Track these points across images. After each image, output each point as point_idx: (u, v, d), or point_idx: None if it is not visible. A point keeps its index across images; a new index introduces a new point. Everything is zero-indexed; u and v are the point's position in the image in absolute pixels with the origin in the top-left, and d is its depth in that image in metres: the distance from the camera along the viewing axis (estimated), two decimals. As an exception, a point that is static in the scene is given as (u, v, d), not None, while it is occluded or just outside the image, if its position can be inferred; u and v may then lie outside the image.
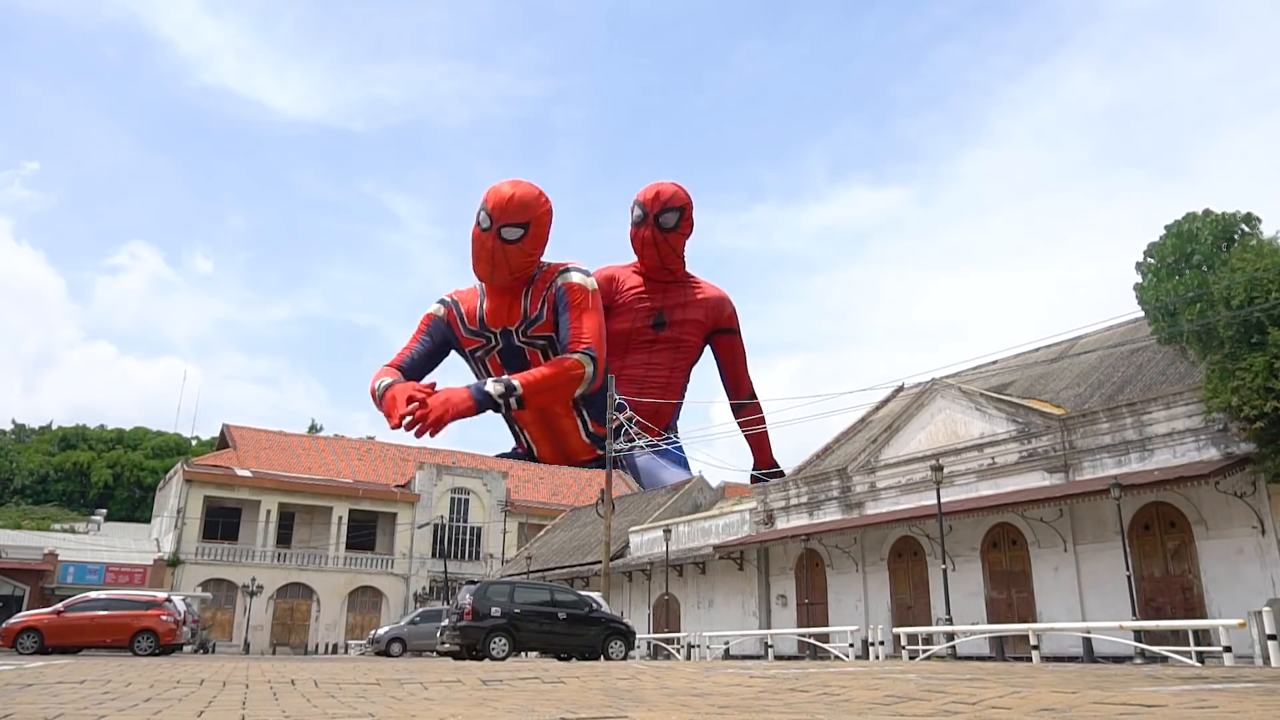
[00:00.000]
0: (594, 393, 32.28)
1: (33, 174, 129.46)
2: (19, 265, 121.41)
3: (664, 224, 34.30)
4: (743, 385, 34.64)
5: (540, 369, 26.58)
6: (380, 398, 25.78)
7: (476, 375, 30.95)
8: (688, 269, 33.79)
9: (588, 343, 27.13)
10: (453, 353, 30.40)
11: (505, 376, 25.80)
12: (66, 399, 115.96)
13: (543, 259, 29.40)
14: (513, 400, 24.89)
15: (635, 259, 38.04)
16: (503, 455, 36.97)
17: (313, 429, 78.37)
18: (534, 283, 29.61)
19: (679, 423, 40.80)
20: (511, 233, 27.97)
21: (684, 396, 38.48)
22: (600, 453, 33.69)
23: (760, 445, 34.08)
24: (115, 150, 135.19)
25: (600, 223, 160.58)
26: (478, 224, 28.21)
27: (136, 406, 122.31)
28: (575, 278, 28.81)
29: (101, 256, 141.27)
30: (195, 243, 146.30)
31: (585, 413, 32.49)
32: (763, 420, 34.60)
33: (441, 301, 30.54)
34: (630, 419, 30.85)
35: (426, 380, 26.96)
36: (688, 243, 36.49)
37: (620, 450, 28.21)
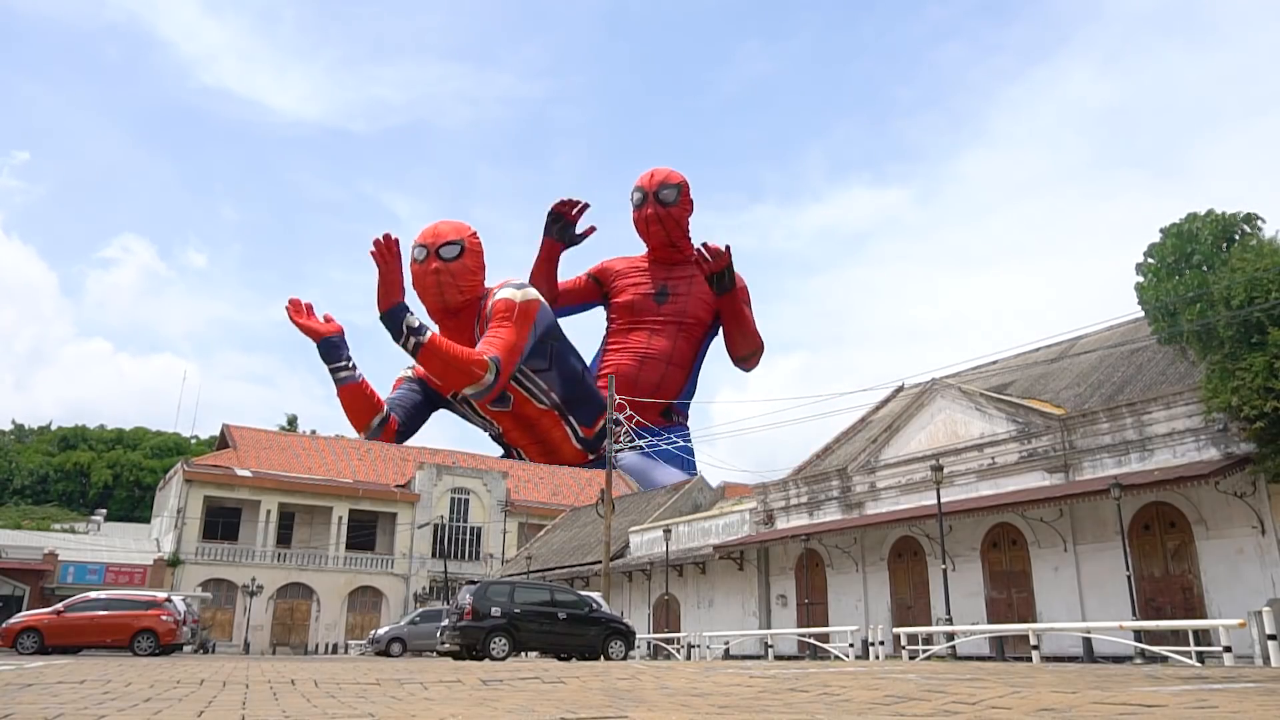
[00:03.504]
0: (580, 398, 32.99)
1: (22, 164, 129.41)
2: (9, 259, 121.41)
3: (664, 199, 35.24)
4: (747, 328, 36.13)
5: (458, 346, 28.12)
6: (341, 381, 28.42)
7: (466, 416, 32.75)
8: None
9: (497, 351, 28.29)
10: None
11: (423, 326, 27.60)
12: (62, 397, 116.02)
13: (488, 285, 30.96)
14: (411, 343, 27.21)
15: (639, 253, 38.30)
16: (505, 455, 37.53)
17: (291, 424, 78.29)
18: (482, 315, 31.00)
19: (688, 414, 41.16)
20: (449, 250, 29.38)
21: (694, 377, 39.10)
22: (592, 456, 34.12)
23: (743, 327, 35.60)
24: (109, 146, 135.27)
25: (600, 222, 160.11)
26: (414, 261, 29.81)
27: (133, 405, 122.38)
28: (505, 293, 30.08)
29: (92, 249, 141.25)
30: (188, 236, 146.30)
31: (573, 420, 32.95)
32: (759, 346, 36.05)
33: (409, 367, 32.35)
34: (630, 418, 30.96)
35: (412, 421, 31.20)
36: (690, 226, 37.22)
37: (620, 450, 28.30)
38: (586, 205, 35.02)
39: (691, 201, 37.02)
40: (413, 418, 32.62)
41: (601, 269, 41.67)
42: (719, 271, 35.29)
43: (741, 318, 37.97)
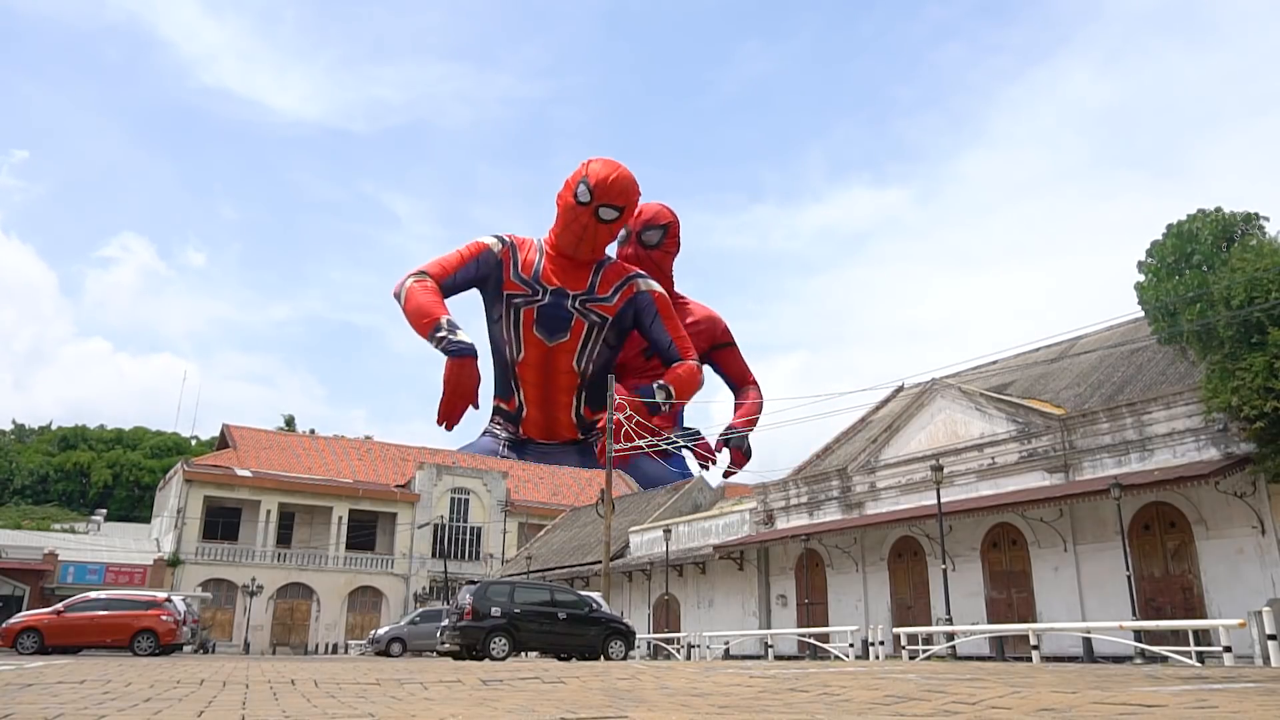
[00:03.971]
0: (594, 380, 32.31)
1: (21, 163, 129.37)
2: (8, 258, 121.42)
3: (646, 241, 33.58)
4: (747, 379, 34.91)
5: (678, 371, 28.00)
6: (454, 350, 26.62)
7: (500, 322, 30.77)
8: (676, 288, 33.22)
9: (694, 351, 28.57)
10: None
11: (660, 384, 27.41)
12: (61, 397, 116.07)
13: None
14: (661, 395, 26.99)
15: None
16: (467, 446, 36.26)
17: (289, 424, 78.24)
18: (605, 267, 30.18)
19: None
20: (608, 213, 28.22)
21: (681, 418, 38.36)
22: (581, 437, 33.35)
23: (747, 413, 34.35)
24: (109, 145, 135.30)
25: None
26: (573, 196, 28.09)
27: (133, 405, 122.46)
28: (655, 285, 29.36)
29: (91, 248, 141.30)
30: (187, 235, 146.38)
31: (584, 395, 32.24)
32: (759, 401, 35.01)
33: (499, 238, 30.52)
34: (629, 417, 30.91)
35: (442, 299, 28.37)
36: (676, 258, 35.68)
37: (622, 451, 28.29)
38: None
39: (679, 243, 34.62)
40: (451, 291, 30.97)
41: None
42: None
43: (749, 415, 36.51)
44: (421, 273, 28.64)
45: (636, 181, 28.42)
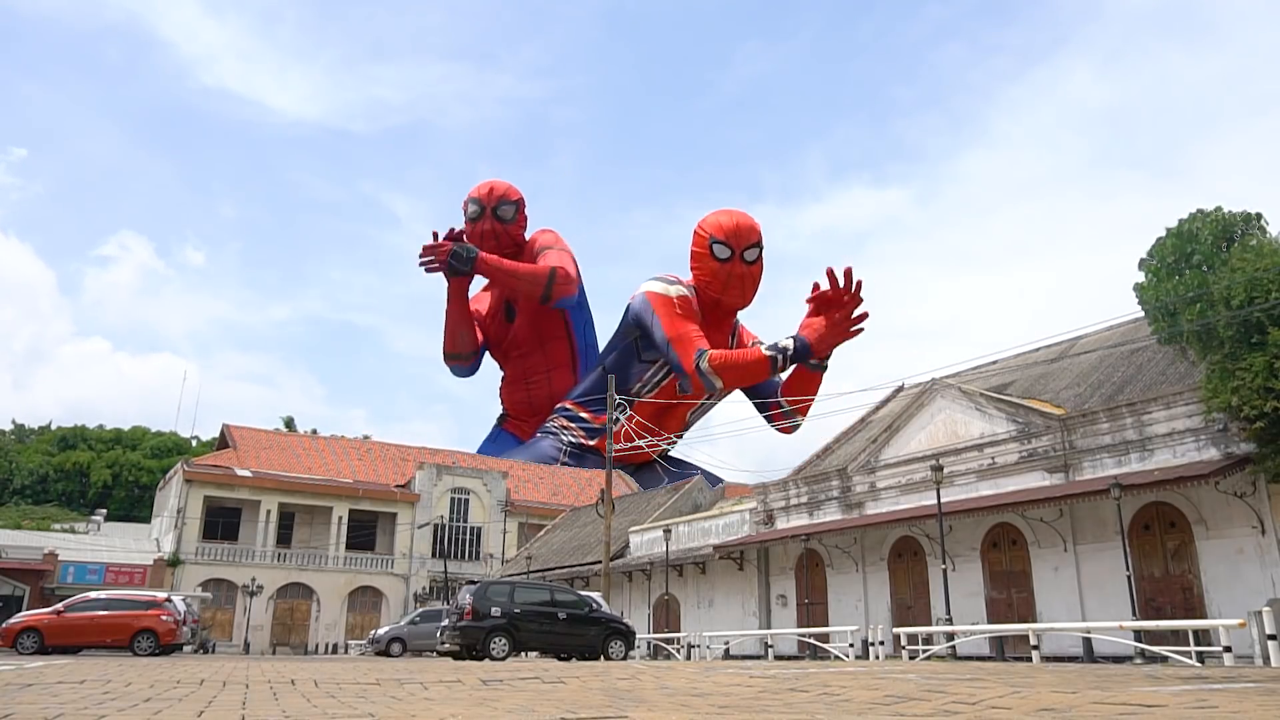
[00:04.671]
0: (599, 390, 34.61)
1: (19, 161, 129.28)
2: (6, 257, 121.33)
3: (502, 215, 35.97)
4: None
5: (737, 353, 30.35)
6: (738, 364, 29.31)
7: (654, 362, 34.07)
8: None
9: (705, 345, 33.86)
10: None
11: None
12: (61, 396, 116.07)
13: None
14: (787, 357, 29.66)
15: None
16: (545, 433, 38.84)
17: (289, 425, 78.18)
18: (740, 329, 32.63)
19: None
20: (752, 254, 29.98)
21: (588, 363, 40.81)
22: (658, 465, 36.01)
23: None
24: (107, 145, 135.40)
25: (600, 223, 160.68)
26: (711, 257, 30.25)
27: (132, 404, 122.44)
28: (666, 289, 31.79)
29: (89, 247, 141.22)
30: (186, 234, 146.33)
31: (680, 437, 35.45)
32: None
33: (681, 283, 32.68)
34: (629, 418, 31.08)
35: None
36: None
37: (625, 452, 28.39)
38: (450, 233, 35.48)
39: (526, 218, 37.88)
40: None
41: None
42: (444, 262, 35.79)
43: (501, 269, 38.45)
44: (700, 352, 32.38)
45: (751, 216, 31.74)
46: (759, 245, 30.51)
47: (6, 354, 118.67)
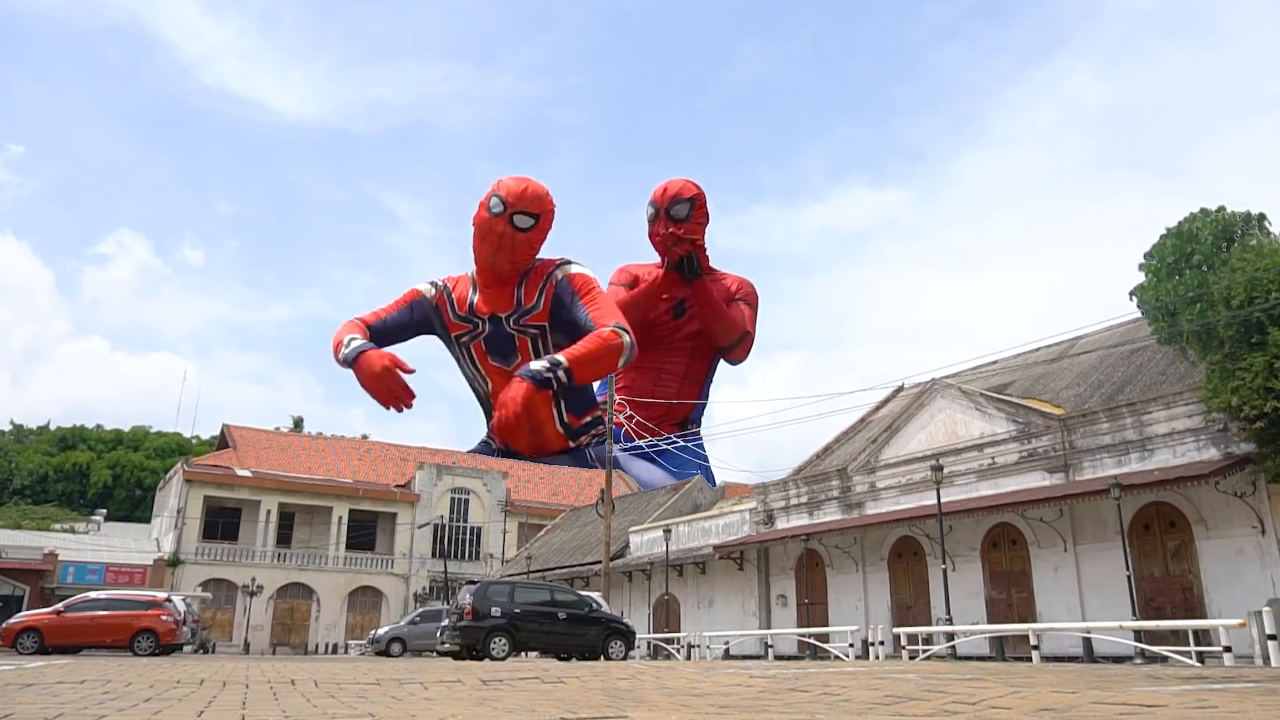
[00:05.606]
0: (579, 385, 32.47)
1: (16, 158, 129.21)
2: (3, 255, 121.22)
3: (675, 215, 34.84)
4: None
5: (580, 343, 26.64)
6: (350, 358, 25.73)
7: (460, 360, 31.63)
8: (711, 264, 34.48)
9: (615, 318, 27.45)
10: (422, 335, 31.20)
11: (550, 355, 26.34)
12: (60, 396, 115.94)
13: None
14: (560, 374, 25.32)
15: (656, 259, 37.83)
16: (473, 450, 37.05)
17: (298, 425, 78.09)
18: (529, 275, 30.32)
19: (701, 421, 41.34)
20: (524, 220, 28.56)
21: (706, 391, 38.90)
22: (572, 444, 33.76)
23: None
24: (106, 144, 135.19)
25: (600, 224, 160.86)
26: (486, 209, 28.63)
27: (132, 404, 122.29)
28: (576, 268, 29.10)
29: (86, 245, 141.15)
30: (184, 233, 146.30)
31: (563, 404, 32.48)
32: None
33: (433, 284, 30.93)
34: (630, 418, 31.05)
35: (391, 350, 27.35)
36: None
37: (629, 449, 28.34)
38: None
39: (707, 214, 36.92)
40: (391, 336, 31.14)
41: (632, 278, 41.26)
42: (683, 257, 34.88)
43: (712, 304, 37.72)
44: (354, 321, 29.25)
45: (549, 193, 29.09)
46: (536, 216, 28.64)
47: (4, 353, 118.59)
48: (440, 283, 30.32)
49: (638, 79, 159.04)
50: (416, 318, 30.06)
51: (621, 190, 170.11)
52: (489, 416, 33.40)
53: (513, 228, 28.55)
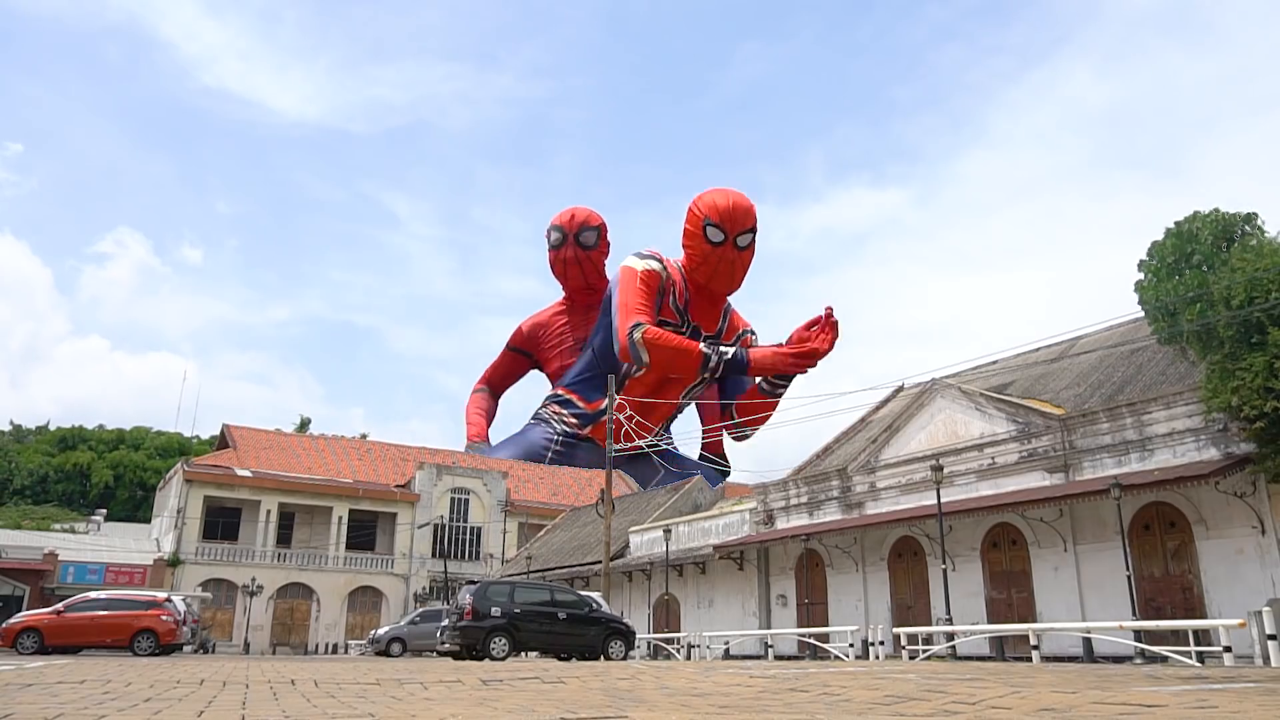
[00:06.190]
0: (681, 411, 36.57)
1: (15, 156, 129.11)
2: (2, 254, 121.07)
3: (584, 242, 36.06)
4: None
5: (765, 351, 30.21)
6: (682, 344, 29.71)
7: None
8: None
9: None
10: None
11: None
12: (59, 396, 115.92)
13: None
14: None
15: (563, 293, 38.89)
16: (537, 420, 39.42)
17: (304, 426, 77.97)
18: (732, 314, 32.70)
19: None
20: (745, 239, 29.76)
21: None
22: (584, 430, 36.23)
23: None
24: (105, 144, 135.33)
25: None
26: (704, 240, 30.14)
27: (132, 404, 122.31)
28: (752, 339, 32.11)
29: (86, 244, 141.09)
30: (183, 232, 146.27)
31: (671, 421, 35.65)
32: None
33: (660, 265, 32.46)
34: (630, 417, 31.28)
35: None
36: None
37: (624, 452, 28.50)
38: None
39: (609, 244, 38.40)
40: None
41: (519, 338, 42.66)
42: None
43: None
44: (637, 323, 31.72)
45: (749, 199, 31.24)
46: (753, 230, 30.28)
47: (4, 353, 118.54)
48: (665, 265, 33.61)
49: (638, 79, 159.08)
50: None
51: (622, 190, 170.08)
52: (596, 387, 35.30)
53: (738, 249, 30.57)
